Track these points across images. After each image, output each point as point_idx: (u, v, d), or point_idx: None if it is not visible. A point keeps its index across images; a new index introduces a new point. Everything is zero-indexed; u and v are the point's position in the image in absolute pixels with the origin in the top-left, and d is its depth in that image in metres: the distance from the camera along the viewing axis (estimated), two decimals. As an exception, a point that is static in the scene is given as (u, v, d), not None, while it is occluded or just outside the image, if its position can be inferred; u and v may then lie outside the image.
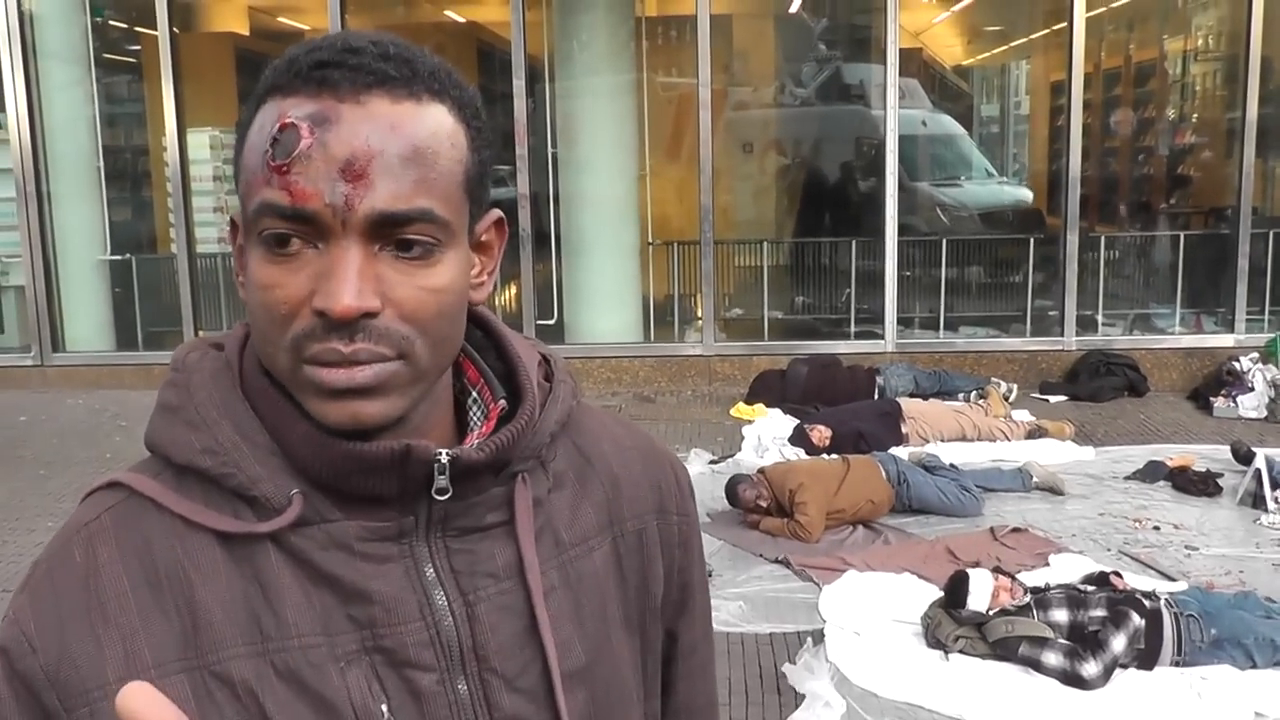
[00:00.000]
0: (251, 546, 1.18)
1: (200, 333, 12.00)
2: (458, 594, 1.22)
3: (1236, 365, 11.06)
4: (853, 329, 12.73)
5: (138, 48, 13.84)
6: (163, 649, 1.15)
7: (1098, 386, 11.47)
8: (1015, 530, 7.67)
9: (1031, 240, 13.00)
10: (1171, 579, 6.84)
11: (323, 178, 1.08)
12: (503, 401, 1.29)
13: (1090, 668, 5.48)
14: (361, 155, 1.08)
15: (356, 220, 1.09)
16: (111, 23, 13.87)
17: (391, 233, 1.11)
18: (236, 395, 1.21)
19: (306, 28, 14.79)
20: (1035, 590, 6.02)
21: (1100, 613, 5.74)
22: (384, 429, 1.16)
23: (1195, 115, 15.27)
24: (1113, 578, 6.15)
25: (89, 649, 1.14)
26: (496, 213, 1.26)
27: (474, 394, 1.32)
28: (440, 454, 1.17)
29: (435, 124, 1.13)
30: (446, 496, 1.19)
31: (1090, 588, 6.02)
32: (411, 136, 1.11)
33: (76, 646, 1.14)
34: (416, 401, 1.18)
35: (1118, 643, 5.56)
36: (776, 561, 7.31)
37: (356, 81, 1.10)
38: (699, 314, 12.62)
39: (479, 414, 1.31)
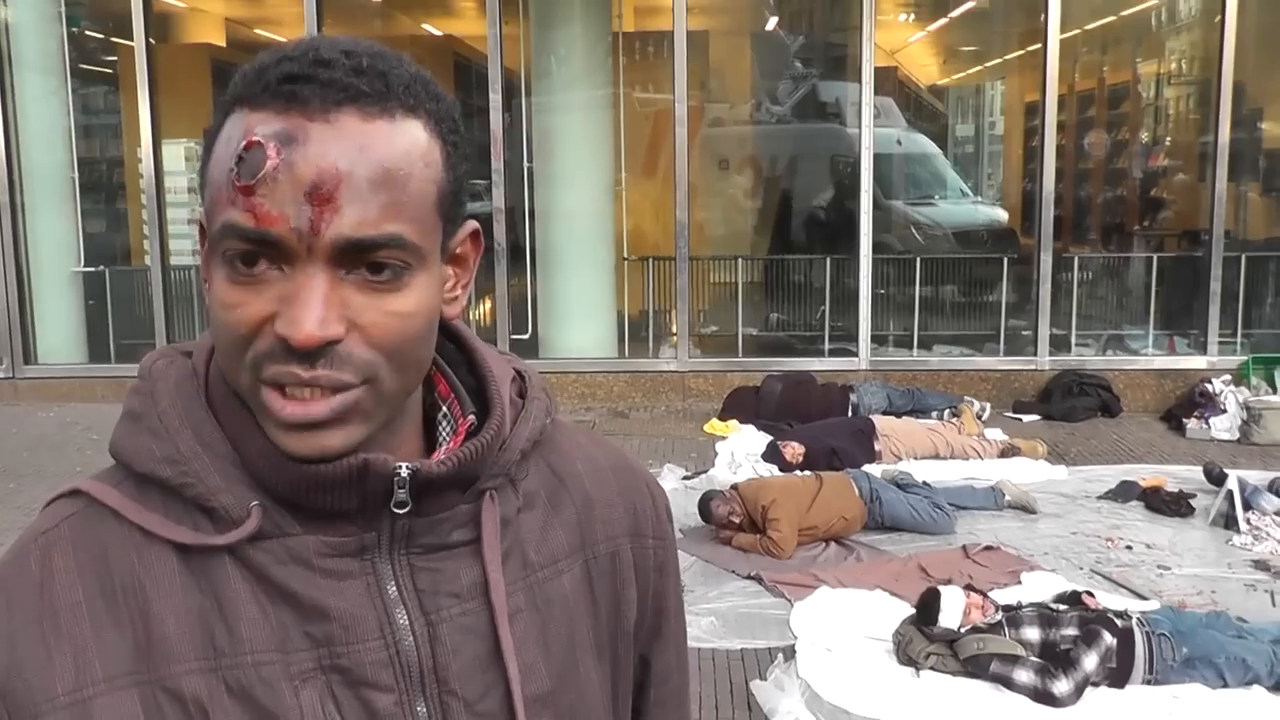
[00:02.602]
0: (209, 559, 1.15)
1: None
2: (420, 613, 1.19)
3: (1209, 387, 11.10)
4: (827, 346, 12.74)
5: (114, 59, 13.80)
6: (114, 662, 1.13)
7: (1070, 406, 11.50)
8: (987, 548, 7.67)
9: (1005, 260, 13.04)
10: (1144, 598, 6.85)
11: (288, 201, 1.05)
12: (471, 416, 1.26)
13: (1061, 685, 5.48)
14: (329, 178, 1.05)
15: (322, 246, 1.05)
16: (87, 33, 13.83)
17: (359, 257, 1.07)
18: (200, 404, 1.19)
19: (283, 40, 14.69)
20: (1007, 608, 6.02)
21: (1072, 631, 5.75)
22: (348, 454, 1.13)
23: (1168, 138, 15.38)
24: (1085, 597, 6.16)
25: (39, 661, 1.12)
26: (473, 224, 1.23)
27: (444, 409, 1.29)
28: (399, 468, 1.15)
29: (408, 143, 1.10)
30: (406, 510, 1.16)
31: (1062, 606, 6.02)
32: (382, 158, 1.07)
33: (27, 658, 1.12)
34: (381, 424, 1.15)
35: (1089, 661, 5.57)
36: (749, 578, 7.30)
37: (327, 98, 1.07)
38: (674, 330, 12.61)
39: (448, 429, 1.28)
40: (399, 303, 1.10)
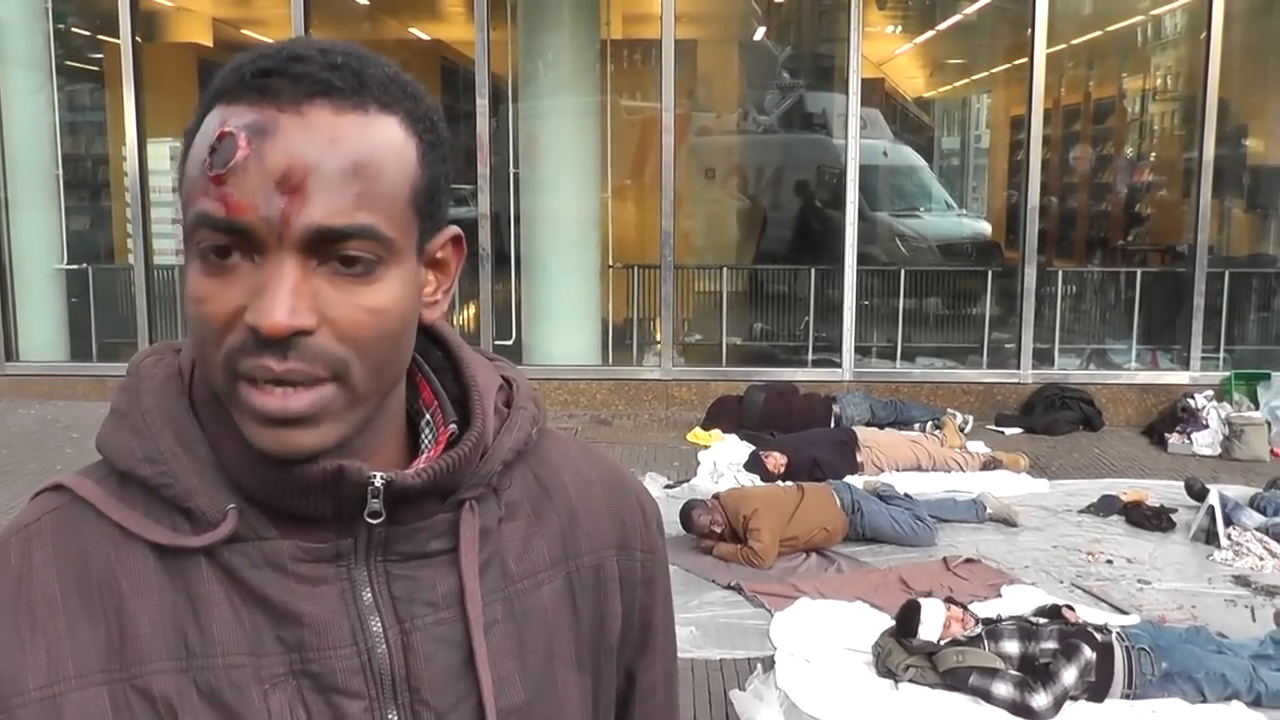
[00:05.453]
0: (184, 560, 1.15)
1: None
2: (394, 621, 1.19)
3: (1192, 402, 11.12)
4: (810, 357, 12.73)
5: (100, 56, 13.76)
6: (86, 659, 1.13)
7: (1053, 420, 11.51)
8: (968, 561, 7.67)
9: (989, 273, 13.05)
10: (1124, 612, 6.85)
11: (258, 190, 1.05)
12: (453, 425, 1.25)
13: (1040, 699, 5.48)
14: (299, 168, 1.05)
15: (292, 235, 1.06)
16: (74, 30, 13.78)
17: (330, 248, 1.07)
18: (182, 404, 1.19)
19: (270, 40, 14.67)
20: (987, 621, 6.02)
21: (1051, 645, 5.74)
22: (321, 456, 1.13)
23: (1153, 154, 15.43)
24: (1065, 610, 6.16)
25: (13, 655, 1.12)
26: (453, 230, 1.23)
27: (427, 416, 1.28)
28: (374, 477, 1.14)
29: (381, 137, 1.10)
30: (380, 521, 1.16)
31: (1042, 620, 6.02)
32: (353, 150, 1.08)
33: (1, 651, 1.13)
34: (356, 427, 1.14)
35: (1068, 675, 5.57)
36: (729, 587, 7.29)
37: (299, 91, 1.08)
38: (658, 338, 12.60)
39: (430, 437, 1.27)
40: (371, 297, 1.10)
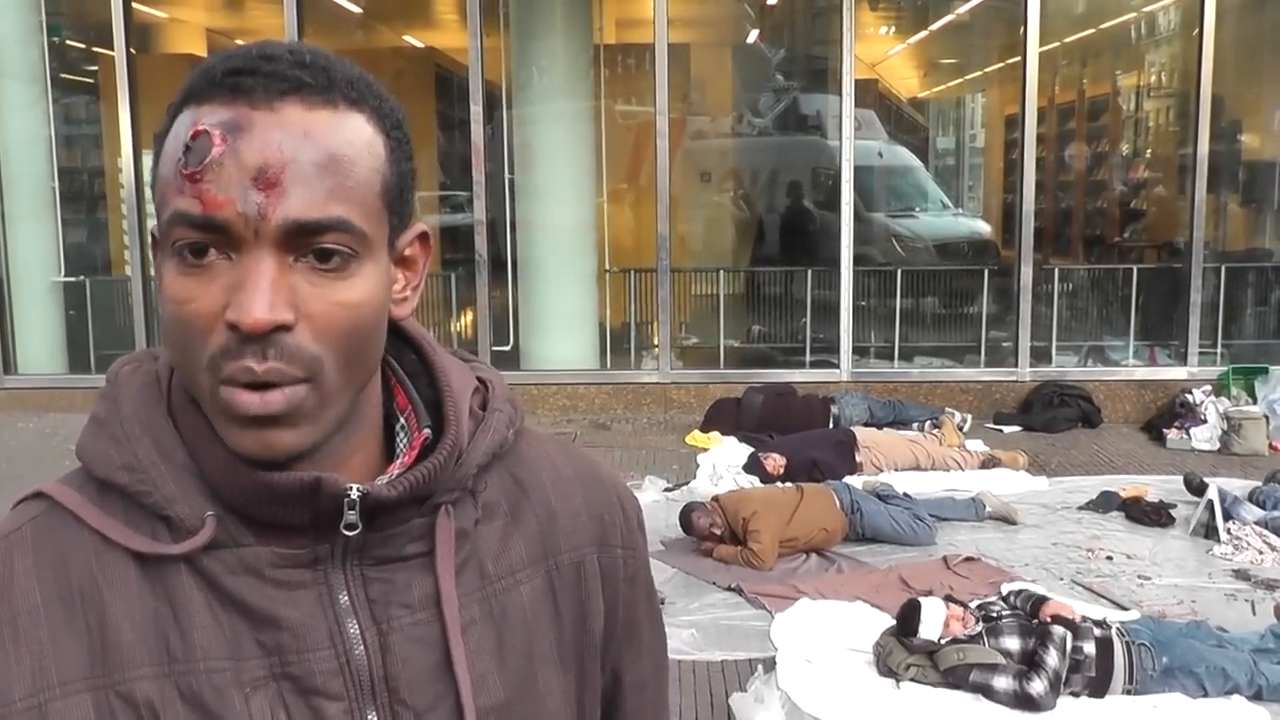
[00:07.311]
0: (164, 567, 1.16)
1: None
2: (371, 623, 1.20)
3: (1190, 398, 11.13)
4: (808, 358, 12.74)
5: (95, 68, 13.77)
6: (70, 667, 1.13)
7: (1051, 417, 11.51)
8: (968, 559, 7.68)
9: (986, 272, 13.07)
10: (1124, 608, 6.86)
11: (235, 186, 1.06)
12: (427, 431, 1.26)
13: (1036, 685, 5.49)
14: (274, 163, 1.06)
15: (270, 229, 1.06)
16: (69, 43, 13.80)
17: (307, 242, 1.08)
18: (160, 411, 1.20)
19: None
20: (984, 607, 6.03)
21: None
22: (299, 457, 1.14)
23: (1148, 151, 15.44)
24: (1043, 608, 6.10)
25: None
26: (421, 226, 1.24)
27: (402, 420, 1.29)
28: (350, 490, 1.15)
29: (351, 132, 1.11)
30: (356, 532, 1.17)
31: (1036, 619, 6.01)
32: (326, 144, 1.09)
33: None
34: (331, 427, 1.15)
35: (1051, 657, 5.58)
36: (729, 589, 7.29)
37: (270, 88, 1.08)
38: (655, 341, 12.59)
39: (405, 442, 1.28)
40: (346, 292, 1.11)
